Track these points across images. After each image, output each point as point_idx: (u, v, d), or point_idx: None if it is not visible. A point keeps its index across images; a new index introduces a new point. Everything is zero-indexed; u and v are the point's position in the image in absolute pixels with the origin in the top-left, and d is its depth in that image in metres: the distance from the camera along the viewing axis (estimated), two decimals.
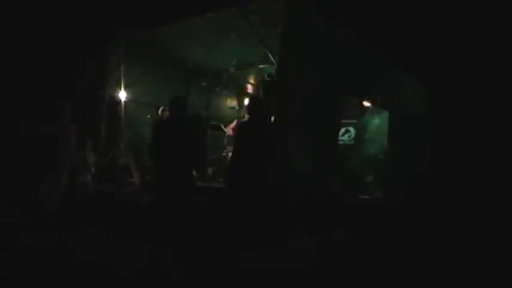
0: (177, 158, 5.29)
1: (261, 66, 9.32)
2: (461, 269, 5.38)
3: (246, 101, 8.96)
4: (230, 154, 7.88)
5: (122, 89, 9.19)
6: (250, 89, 10.50)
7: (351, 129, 10.19)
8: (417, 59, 10.88)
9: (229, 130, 8.86)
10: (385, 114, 9.59)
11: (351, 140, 10.17)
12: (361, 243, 6.28)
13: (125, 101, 9.32)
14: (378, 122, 10.00)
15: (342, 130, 9.65)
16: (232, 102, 10.75)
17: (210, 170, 8.81)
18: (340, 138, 9.07)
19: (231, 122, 9.23)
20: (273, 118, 6.55)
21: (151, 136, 5.66)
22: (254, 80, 10.32)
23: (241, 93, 9.83)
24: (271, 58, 7.06)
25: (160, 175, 5.46)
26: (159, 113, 8.62)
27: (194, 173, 7.69)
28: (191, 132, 5.47)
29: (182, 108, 5.51)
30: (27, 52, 9.40)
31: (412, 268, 5.31)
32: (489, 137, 10.97)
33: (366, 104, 9.40)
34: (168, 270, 4.76)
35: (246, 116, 7.93)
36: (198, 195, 6.33)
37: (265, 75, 8.56)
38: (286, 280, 4.56)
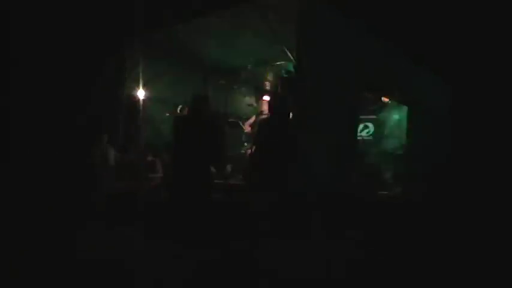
0: (195, 155, 5.31)
1: (278, 62, 9.30)
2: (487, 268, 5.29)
3: (267, 98, 8.98)
4: (249, 151, 7.91)
5: (140, 87, 9.26)
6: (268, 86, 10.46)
7: (370, 124, 10.11)
8: (436, 52, 10.72)
9: (247, 127, 8.86)
10: (405, 109, 9.49)
11: (369, 135, 10.10)
12: (383, 241, 6.23)
13: (143, 99, 9.38)
14: (397, 117, 9.91)
15: (361, 126, 9.58)
16: (251, 100, 10.74)
17: (228, 167, 8.83)
18: (358, 134, 9.00)
19: (249, 119, 9.23)
20: (291, 115, 6.53)
21: (171, 133, 5.69)
22: (272, 77, 10.30)
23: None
24: (289, 54, 7.03)
25: (178, 172, 5.48)
26: (178, 111, 8.67)
27: (213, 169, 7.74)
28: (210, 129, 5.49)
29: (203, 105, 5.53)
30: (43, 52, 9.51)
31: (432, 266, 5.26)
32: None
33: (385, 99, 9.31)
34: (188, 267, 4.78)
35: (265, 113, 7.95)
36: (215, 192, 6.34)
37: (283, 72, 8.54)
38: (304, 280, 4.55)
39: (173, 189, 5.71)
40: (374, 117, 10.03)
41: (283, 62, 8.88)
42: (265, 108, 8.40)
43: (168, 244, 5.15)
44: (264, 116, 7.94)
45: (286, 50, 7.11)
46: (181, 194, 5.43)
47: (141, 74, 9.27)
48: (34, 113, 9.11)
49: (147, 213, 6.89)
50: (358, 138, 8.88)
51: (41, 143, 8.47)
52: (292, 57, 6.95)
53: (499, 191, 9.38)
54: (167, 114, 9.48)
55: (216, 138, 5.63)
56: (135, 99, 9.29)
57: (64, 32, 9.60)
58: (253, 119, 8.77)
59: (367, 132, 10.09)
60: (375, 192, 8.24)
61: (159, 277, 4.52)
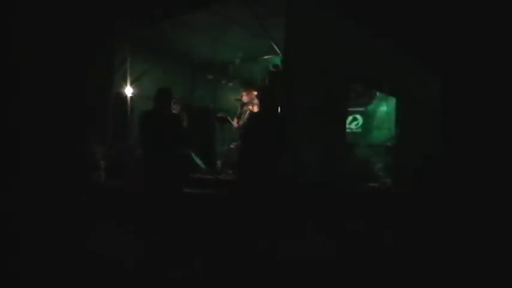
0: (161, 151, 5.30)
1: (266, 57, 9.30)
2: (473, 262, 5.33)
3: (255, 93, 8.97)
4: (238, 146, 7.91)
5: (128, 84, 9.22)
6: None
7: (359, 117, 10.16)
8: (425, 42, 10.77)
9: (235, 122, 8.85)
10: (393, 101, 9.54)
11: (358, 127, 10.15)
12: (373, 233, 6.28)
13: (131, 97, 9.35)
14: (385, 109, 9.97)
15: (349, 118, 9.62)
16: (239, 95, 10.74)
17: (218, 163, 8.83)
18: (347, 126, 9.04)
19: (237, 114, 9.22)
20: (279, 108, 6.53)
21: (138, 129, 5.68)
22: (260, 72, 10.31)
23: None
24: (276, 49, 7.03)
25: (148, 168, 5.47)
26: None
27: (203, 165, 7.74)
28: (174, 123, 5.49)
29: (166, 99, 5.52)
30: (31, 50, 9.41)
31: (424, 259, 5.31)
32: (503, 123, 10.83)
33: (373, 91, 9.37)
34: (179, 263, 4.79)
35: (254, 108, 7.95)
36: (188, 187, 6.32)
37: (271, 66, 8.54)
38: (296, 272, 4.57)
39: (144, 184, 5.69)
40: (363, 109, 10.08)
41: (271, 56, 8.89)
42: (253, 102, 8.40)
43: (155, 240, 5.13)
44: (252, 110, 7.94)
45: (273, 44, 7.10)
46: (151, 189, 5.42)
47: (129, 72, 9.23)
48: (22, 110, 9.05)
49: (138, 209, 6.86)
50: (347, 130, 8.91)
51: (29, 140, 8.41)
52: (279, 51, 6.95)
53: (489, 181, 9.46)
54: None
55: (180, 132, 5.63)
56: (123, 97, 9.26)
57: (52, 31, 9.51)
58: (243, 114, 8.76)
59: (356, 125, 10.14)
60: (364, 183, 8.30)
61: (151, 273, 4.52)
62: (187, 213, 5.59)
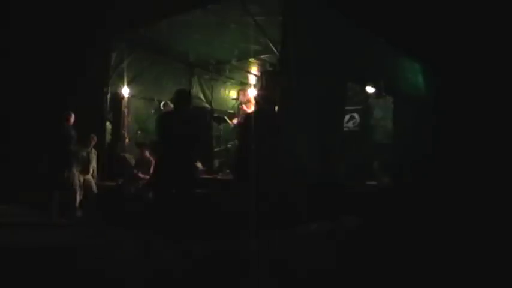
0: (179, 151, 5.30)
1: (263, 56, 9.29)
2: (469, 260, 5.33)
3: (252, 92, 8.97)
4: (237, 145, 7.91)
5: (125, 84, 9.19)
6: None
7: (356, 115, 10.13)
8: (421, 41, 10.76)
9: (233, 122, 8.85)
10: (390, 99, 9.54)
11: (355, 126, 10.12)
12: (371, 230, 6.27)
13: (128, 97, 9.32)
14: (382, 108, 9.95)
15: (347, 117, 9.59)
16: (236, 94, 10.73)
17: (216, 162, 8.82)
18: (345, 125, 9.03)
19: (234, 113, 9.21)
20: (276, 108, 6.52)
21: (155, 130, 5.68)
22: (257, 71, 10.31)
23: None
24: (273, 48, 7.02)
25: (163, 168, 5.47)
26: (162, 107, 8.65)
27: (201, 165, 7.74)
28: (194, 124, 5.48)
29: (185, 100, 5.51)
30: (28, 50, 9.40)
31: (421, 255, 5.31)
32: (500, 121, 10.83)
33: (370, 89, 9.36)
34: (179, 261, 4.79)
35: (251, 107, 7.96)
36: (200, 188, 6.33)
37: (267, 65, 8.53)
38: (295, 269, 4.57)
39: (157, 185, 5.68)
40: (360, 107, 10.06)
41: (267, 56, 8.88)
42: (250, 102, 8.40)
43: (158, 239, 5.13)
44: (249, 110, 7.94)
45: (269, 43, 7.09)
46: (164, 190, 5.42)
47: (125, 71, 9.21)
48: (17, 111, 9.06)
49: (137, 210, 6.87)
50: (345, 129, 8.90)
51: (26, 141, 8.43)
52: (275, 50, 6.93)
53: (488, 180, 9.45)
54: (152, 111, 9.46)
55: (200, 133, 5.63)
56: (120, 97, 9.24)
57: (46, 31, 9.50)
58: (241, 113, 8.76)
59: (354, 123, 10.12)
60: (363, 182, 8.29)
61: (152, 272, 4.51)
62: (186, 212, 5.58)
